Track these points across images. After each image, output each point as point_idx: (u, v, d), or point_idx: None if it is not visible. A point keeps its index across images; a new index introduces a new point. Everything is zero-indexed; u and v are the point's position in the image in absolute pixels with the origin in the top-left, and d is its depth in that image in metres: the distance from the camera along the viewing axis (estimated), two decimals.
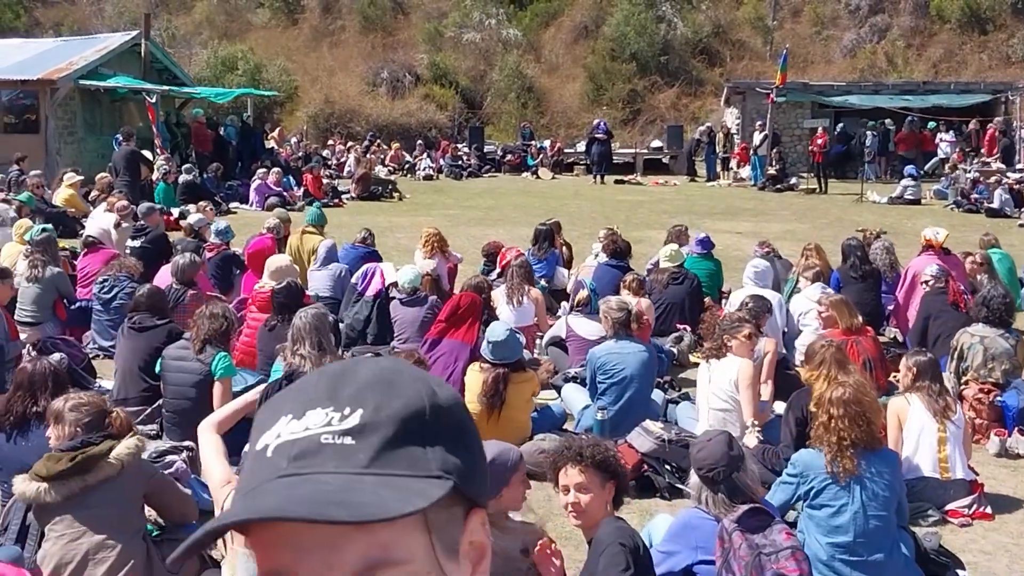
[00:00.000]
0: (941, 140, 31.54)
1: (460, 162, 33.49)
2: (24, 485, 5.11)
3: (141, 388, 8.25)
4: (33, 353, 9.10)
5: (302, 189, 25.01)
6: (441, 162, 33.40)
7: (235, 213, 22.20)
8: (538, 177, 32.74)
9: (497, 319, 9.31)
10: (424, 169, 32.51)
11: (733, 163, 33.22)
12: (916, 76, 39.23)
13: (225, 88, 33.02)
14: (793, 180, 30.19)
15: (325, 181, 26.42)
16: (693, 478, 5.22)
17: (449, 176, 32.35)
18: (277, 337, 8.62)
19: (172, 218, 18.11)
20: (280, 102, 40.78)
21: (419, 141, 35.14)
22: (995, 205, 23.72)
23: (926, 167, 29.89)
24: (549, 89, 43.66)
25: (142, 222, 13.85)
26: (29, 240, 12.33)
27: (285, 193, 24.05)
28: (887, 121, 32.04)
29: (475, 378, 7.59)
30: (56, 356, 8.93)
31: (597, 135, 31.70)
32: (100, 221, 15.11)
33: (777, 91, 31.96)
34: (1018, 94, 32.02)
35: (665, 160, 35.43)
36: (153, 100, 23.70)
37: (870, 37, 46.08)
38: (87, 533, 5.04)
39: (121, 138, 19.66)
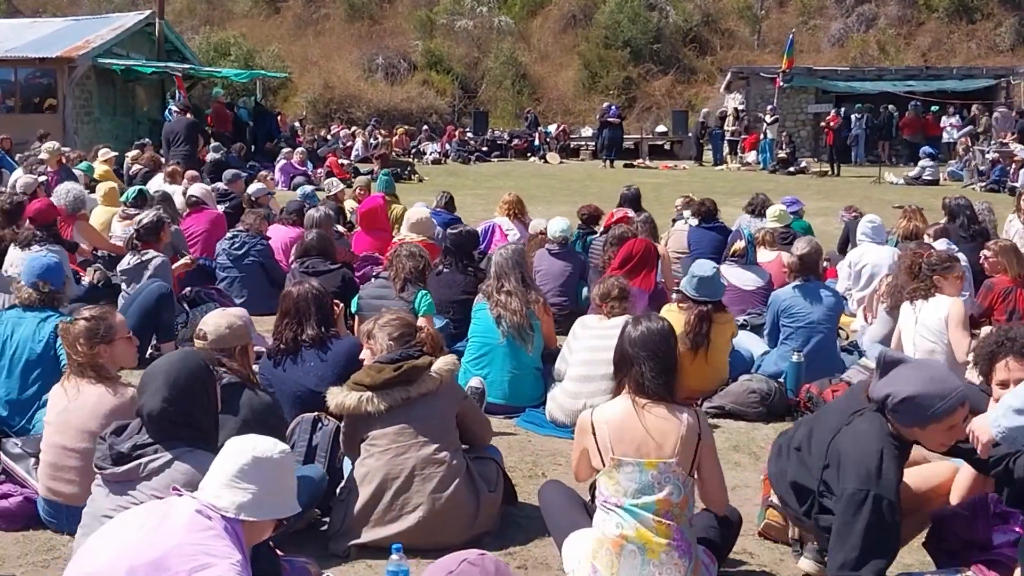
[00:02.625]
0: (948, 124, 31.78)
1: (468, 147, 33.33)
2: (342, 396, 4.94)
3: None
4: (184, 305, 8.87)
5: (325, 170, 24.80)
6: (447, 147, 33.25)
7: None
8: (546, 161, 32.73)
9: None
10: (431, 153, 32.33)
11: (739, 149, 33.30)
12: (906, 65, 39.51)
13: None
14: (803, 163, 30.32)
15: (344, 162, 26.24)
16: None
17: (457, 160, 32.20)
18: (447, 283, 8.48)
19: None
20: (274, 88, 40.45)
21: (424, 126, 34.95)
22: (1019, 184, 23.95)
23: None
24: (543, 76, 43.65)
25: (225, 187, 13.62)
26: (125, 201, 12.11)
27: (310, 173, 23.86)
28: (890, 106, 32.31)
29: (675, 318, 7.43)
30: (211, 306, 8.77)
31: (609, 119, 31.65)
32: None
33: (783, 76, 32.17)
34: (1020, 79, 32.37)
35: (667, 146, 35.50)
36: (181, 75, 23.28)
37: (857, 26, 46.45)
38: (413, 447, 4.88)
39: (176, 110, 19.30)
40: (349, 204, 14.73)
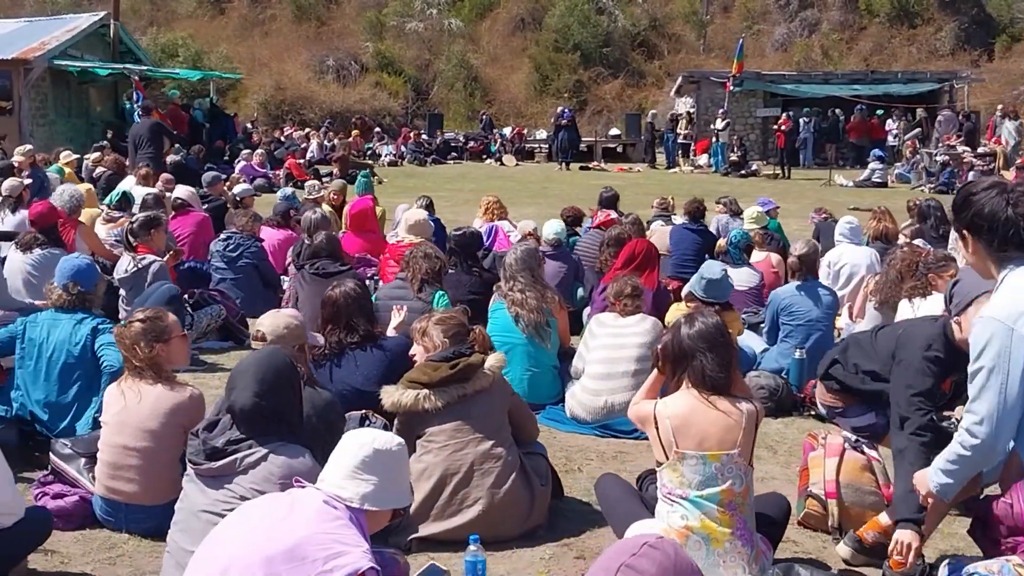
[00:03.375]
0: (893, 128, 32.43)
1: (423, 148, 33.39)
2: (398, 394, 5.07)
3: None
4: (187, 308, 8.90)
5: (284, 172, 24.76)
6: (402, 148, 33.28)
7: None
8: (502, 164, 32.90)
9: None
10: (387, 155, 32.33)
11: (691, 152, 33.72)
12: (851, 69, 40.20)
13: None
14: (754, 166, 30.78)
15: (300, 161, 26.25)
16: None
17: (412, 162, 32.25)
18: (453, 283, 8.61)
19: None
20: (223, 90, 40.12)
21: (376, 128, 34.94)
22: None
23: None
24: (495, 79, 43.81)
25: (205, 190, 13.61)
26: (109, 204, 12.07)
27: (270, 175, 23.83)
28: (836, 110, 32.89)
29: None
30: (215, 308, 8.84)
31: (563, 122, 31.89)
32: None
33: (734, 80, 32.65)
34: (963, 82, 33.12)
35: (619, 149, 35.83)
36: (139, 77, 23.11)
37: (800, 31, 47.20)
38: (471, 443, 5.02)
39: (141, 112, 19.15)
40: (323, 208, 14.78)
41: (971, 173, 24.97)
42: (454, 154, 34.45)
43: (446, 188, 25.14)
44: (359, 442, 3.47)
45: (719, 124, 31.80)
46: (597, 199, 14.69)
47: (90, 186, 13.51)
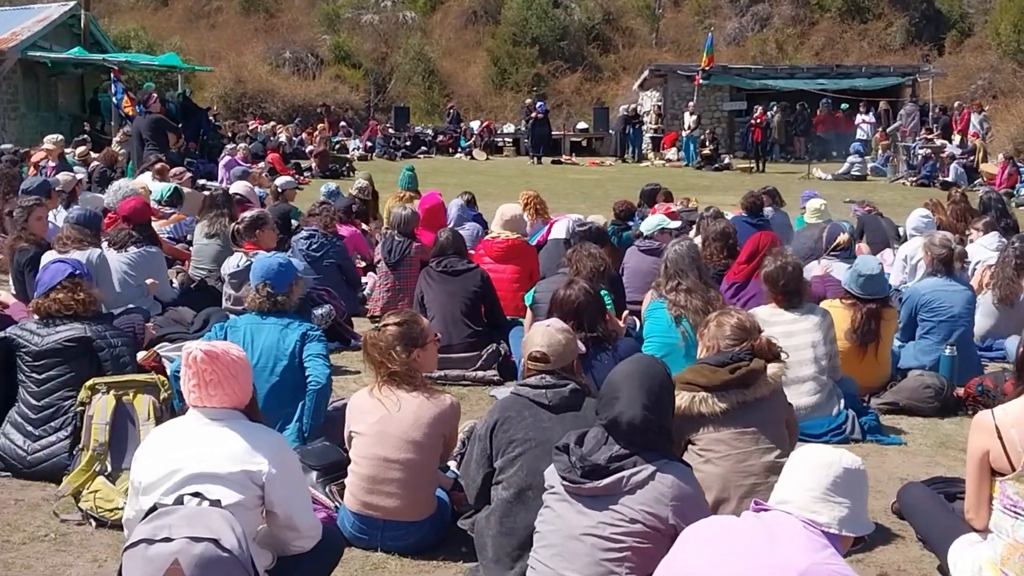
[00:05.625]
0: (863, 121, 32.67)
1: (392, 142, 32.89)
2: None
3: (466, 334, 7.87)
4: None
5: (267, 166, 24.15)
6: (368, 142, 32.72)
7: (208, 191, 21.28)
8: (473, 158, 32.51)
9: None
10: (355, 150, 31.77)
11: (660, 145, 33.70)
12: (814, 63, 40.45)
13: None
14: (727, 160, 30.80)
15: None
16: None
17: (382, 156, 31.70)
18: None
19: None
20: (174, 84, 39.17)
21: (342, 123, 34.36)
22: (950, 179, 24.80)
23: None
24: (452, 72, 43.37)
25: (218, 185, 13.12)
26: (159, 201, 11.60)
27: (253, 169, 23.20)
28: (804, 104, 33.12)
29: (841, 315, 7.42)
30: (326, 308, 8.46)
31: (539, 116, 31.65)
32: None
33: (703, 74, 32.69)
34: (927, 77, 33.50)
35: (584, 143, 35.70)
36: (117, 68, 22.37)
37: (752, 25, 47.43)
38: (755, 453, 4.73)
39: (140, 105, 18.46)
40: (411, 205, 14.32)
41: (952, 167, 25.25)
42: (423, 148, 33.97)
43: (427, 183, 24.56)
44: (825, 461, 3.18)
45: (690, 119, 31.79)
46: (639, 194, 14.56)
47: (145, 183, 12.88)
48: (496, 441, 4.54)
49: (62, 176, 10.90)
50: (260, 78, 38.93)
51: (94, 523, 4.98)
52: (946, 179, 24.90)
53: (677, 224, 10.42)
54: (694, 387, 4.80)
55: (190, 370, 3.91)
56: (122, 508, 4.92)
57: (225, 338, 5.67)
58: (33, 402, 5.52)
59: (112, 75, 22.76)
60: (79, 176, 11.47)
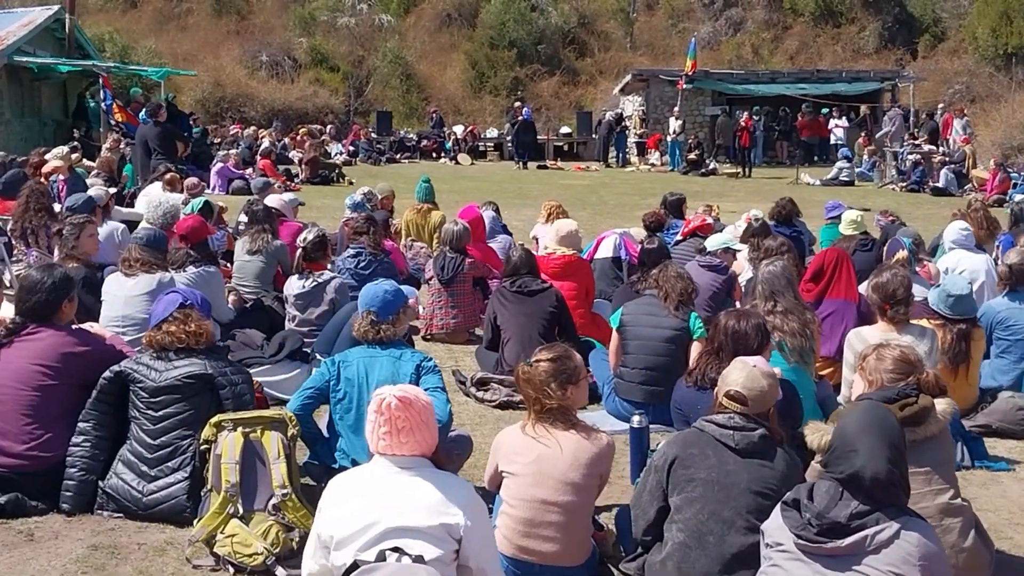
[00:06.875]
0: (835, 126, 32.86)
1: (377, 148, 32.57)
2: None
3: None
4: None
5: (258, 172, 23.82)
6: (352, 147, 32.35)
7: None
8: (458, 163, 32.24)
9: None
10: (338, 155, 31.37)
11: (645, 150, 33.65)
12: (775, 68, 40.51)
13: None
14: (712, 165, 30.76)
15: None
16: None
17: (366, 161, 31.35)
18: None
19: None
20: (149, 87, 38.61)
21: (327, 127, 33.95)
22: (940, 184, 24.91)
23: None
24: (430, 76, 43.10)
25: (256, 197, 12.83)
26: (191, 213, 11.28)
27: (246, 176, 22.87)
28: (785, 109, 33.25)
29: None
30: None
31: (526, 120, 31.51)
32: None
33: (686, 78, 32.69)
34: (908, 82, 33.70)
35: (566, 147, 35.59)
36: (106, 76, 21.95)
37: (726, 29, 47.56)
38: (928, 495, 4.53)
39: (148, 116, 18.05)
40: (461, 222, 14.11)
41: (943, 172, 25.35)
42: (407, 153, 33.68)
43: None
44: None
45: (675, 123, 31.74)
46: (661, 202, 14.34)
47: (155, 194, 12.56)
48: (674, 476, 4.39)
49: (94, 192, 10.58)
50: (239, 82, 38.48)
51: (232, 569, 4.74)
52: (936, 184, 25.02)
53: (743, 247, 10.23)
54: None
55: (382, 416, 3.74)
56: (261, 553, 4.74)
57: (338, 374, 5.49)
58: (149, 440, 5.27)
59: (101, 81, 22.31)
60: (112, 190, 11.14)
